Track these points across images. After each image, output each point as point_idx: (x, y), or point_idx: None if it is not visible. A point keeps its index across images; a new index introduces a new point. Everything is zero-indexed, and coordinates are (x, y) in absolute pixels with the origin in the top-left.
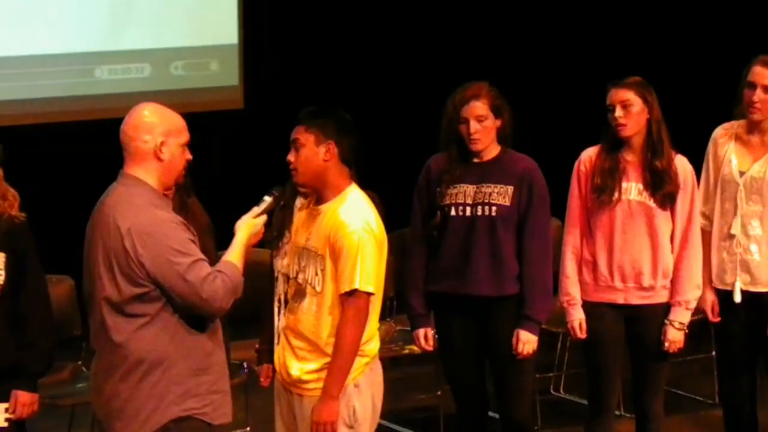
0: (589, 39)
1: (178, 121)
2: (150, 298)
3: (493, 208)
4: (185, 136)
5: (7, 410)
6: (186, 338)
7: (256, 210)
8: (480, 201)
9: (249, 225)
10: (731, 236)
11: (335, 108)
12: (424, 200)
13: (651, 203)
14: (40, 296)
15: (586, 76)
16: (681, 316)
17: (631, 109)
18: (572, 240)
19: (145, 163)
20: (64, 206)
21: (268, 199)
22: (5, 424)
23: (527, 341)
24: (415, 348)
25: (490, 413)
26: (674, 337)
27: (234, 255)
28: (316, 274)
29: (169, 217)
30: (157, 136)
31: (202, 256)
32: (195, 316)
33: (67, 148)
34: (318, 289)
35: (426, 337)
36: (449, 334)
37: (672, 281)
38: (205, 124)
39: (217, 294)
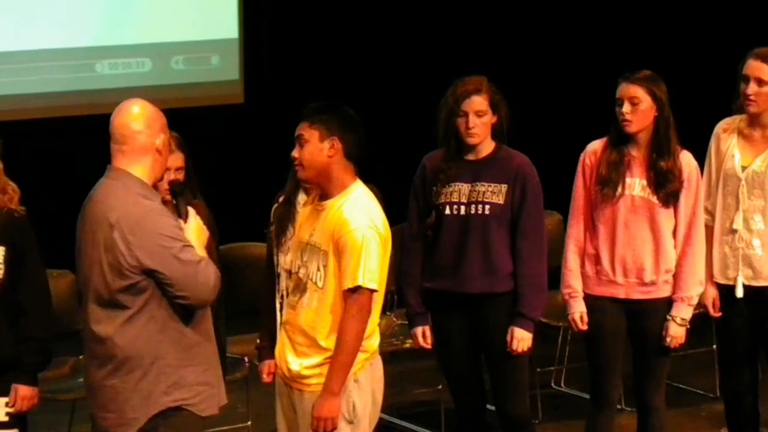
0: (594, 32)
1: (164, 117)
2: (138, 290)
3: (487, 207)
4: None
5: (7, 404)
6: (173, 329)
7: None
8: (474, 200)
9: (196, 230)
10: (733, 231)
11: (339, 104)
12: (419, 198)
13: (654, 199)
14: (39, 290)
15: (591, 69)
16: (683, 311)
17: (638, 107)
18: (575, 233)
19: (144, 157)
20: (64, 200)
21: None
22: (6, 418)
23: (522, 338)
24: None
25: (489, 406)
26: (676, 332)
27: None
28: (319, 270)
29: (156, 205)
30: (159, 131)
31: (190, 242)
32: (181, 307)
33: (68, 143)
34: (320, 284)
35: (424, 335)
36: (445, 331)
37: (675, 277)
38: (205, 118)
39: (210, 279)
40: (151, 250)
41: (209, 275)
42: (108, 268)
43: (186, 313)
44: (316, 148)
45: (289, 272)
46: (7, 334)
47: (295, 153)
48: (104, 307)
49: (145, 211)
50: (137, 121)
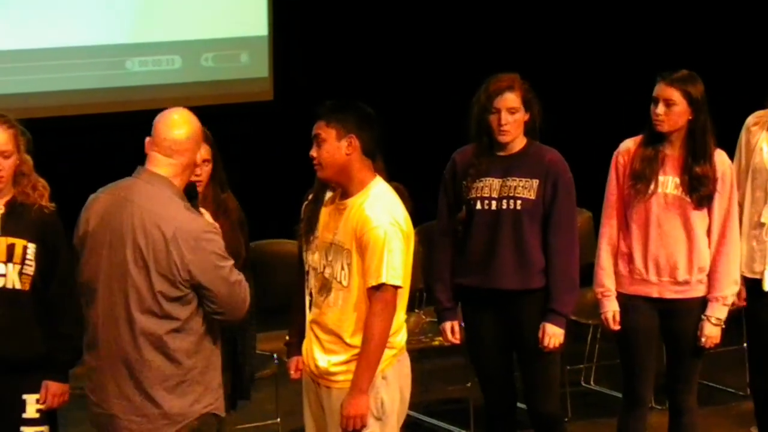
0: (629, 28)
1: None
2: (185, 301)
3: (518, 202)
4: None
5: (38, 401)
6: (206, 339)
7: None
8: (505, 195)
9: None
10: (761, 225)
11: (354, 101)
12: (450, 193)
13: (687, 198)
14: (69, 287)
15: (626, 66)
16: (718, 311)
17: (673, 108)
18: (608, 231)
19: (185, 171)
20: None
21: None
22: (36, 415)
23: (553, 335)
24: None
25: (519, 404)
26: (711, 332)
27: None
28: (343, 269)
29: (207, 223)
30: (200, 147)
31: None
32: (217, 327)
33: (98, 140)
34: (344, 283)
35: (453, 330)
36: (476, 327)
37: (709, 276)
38: (235, 115)
39: (247, 299)
40: (204, 268)
41: (246, 295)
42: (157, 275)
43: (218, 329)
44: (334, 146)
45: (317, 271)
46: (37, 331)
47: (313, 152)
48: (148, 314)
49: (201, 229)
50: (188, 137)
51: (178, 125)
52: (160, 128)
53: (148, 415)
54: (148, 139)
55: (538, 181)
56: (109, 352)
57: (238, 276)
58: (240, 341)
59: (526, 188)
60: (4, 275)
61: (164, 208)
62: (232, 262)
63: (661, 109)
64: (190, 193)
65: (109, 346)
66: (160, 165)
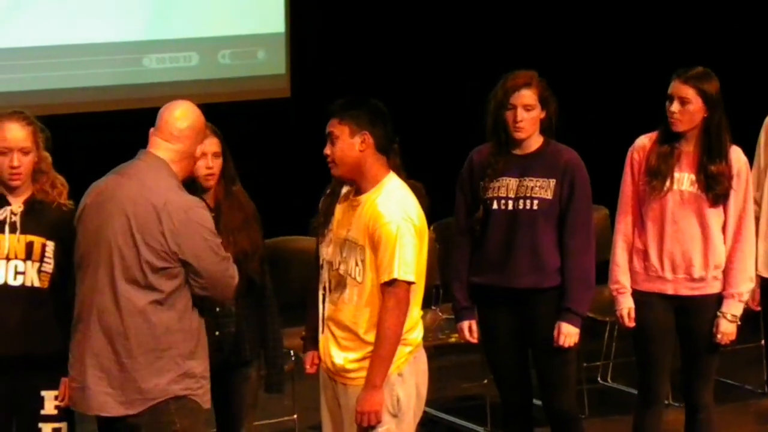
0: (644, 25)
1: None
2: (170, 275)
3: (535, 202)
4: None
5: (56, 397)
6: (190, 321)
7: None
8: (522, 195)
9: None
10: None
11: (367, 97)
12: (467, 192)
13: (703, 195)
14: None
15: (641, 63)
16: (734, 308)
17: (688, 107)
18: (624, 228)
19: (183, 160)
20: None
21: None
22: (54, 411)
23: (568, 334)
24: None
25: (536, 401)
26: (727, 329)
27: None
28: (357, 265)
29: (198, 200)
30: (202, 140)
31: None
32: (198, 300)
33: (115, 137)
34: (359, 279)
35: (470, 329)
36: (492, 326)
37: (725, 273)
38: (252, 112)
39: (235, 277)
40: (193, 242)
41: (234, 274)
42: (144, 246)
43: (200, 306)
44: (347, 144)
45: (332, 266)
46: (56, 328)
47: (327, 150)
48: (130, 284)
49: (190, 203)
50: (189, 125)
51: (180, 113)
52: (164, 115)
53: (122, 387)
54: (152, 128)
55: (555, 180)
56: (91, 322)
57: (226, 253)
58: (270, 335)
59: (543, 188)
60: (23, 273)
61: (156, 183)
62: (220, 240)
63: (675, 106)
64: (194, 188)
65: (91, 316)
66: (160, 148)
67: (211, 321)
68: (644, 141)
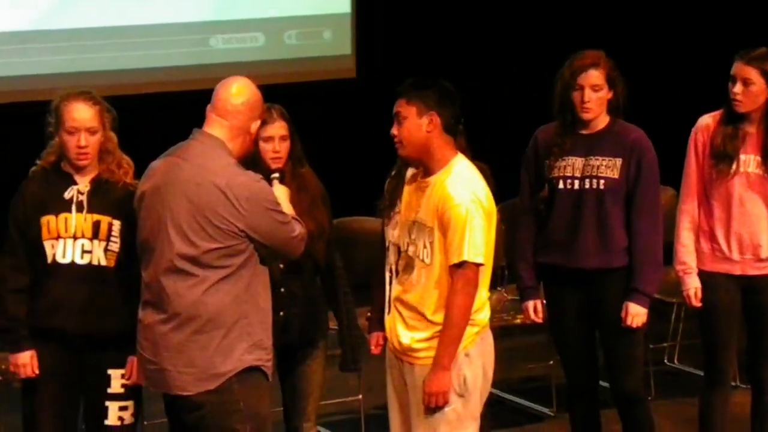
0: (708, 5)
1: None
2: (235, 251)
3: (602, 181)
4: None
5: (123, 376)
6: (258, 293)
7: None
8: (588, 174)
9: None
10: None
11: (436, 78)
12: (531, 172)
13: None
14: None
15: (707, 43)
16: None
17: (751, 88)
18: (689, 209)
19: (238, 137)
20: None
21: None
22: (121, 390)
23: (636, 314)
24: None
25: (601, 383)
26: None
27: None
28: (425, 247)
29: (256, 175)
30: (257, 117)
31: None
32: (263, 273)
33: (182, 117)
34: (427, 261)
35: (535, 309)
36: (559, 306)
37: None
38: (318, 93)
39: (301, 233)
40: (259, 217)
41: (299, 231)
42: (210, 227)
43: (265, 278)
44: (415, 124)
45: (398, 248)
46: (123, 307)
47: (394, 131)
48: (197, 265)
49: (251, 180)
50: (244, 101)
51: (236, 89)
52: (220, 91)
53: (199, 365)
54: (208, 105)
55: (621, 160)
56: (161, 306)
57: (287, 216)
58: (343, 314)
59: (610, 167)
60: (90, 252)
61: (215, 162)
62: (281, 206)
63: (738, 88)
64: (261, 171)
65: (160, 300)
66: (215, 126)
67: (275, 301)
68: (708, 121)
